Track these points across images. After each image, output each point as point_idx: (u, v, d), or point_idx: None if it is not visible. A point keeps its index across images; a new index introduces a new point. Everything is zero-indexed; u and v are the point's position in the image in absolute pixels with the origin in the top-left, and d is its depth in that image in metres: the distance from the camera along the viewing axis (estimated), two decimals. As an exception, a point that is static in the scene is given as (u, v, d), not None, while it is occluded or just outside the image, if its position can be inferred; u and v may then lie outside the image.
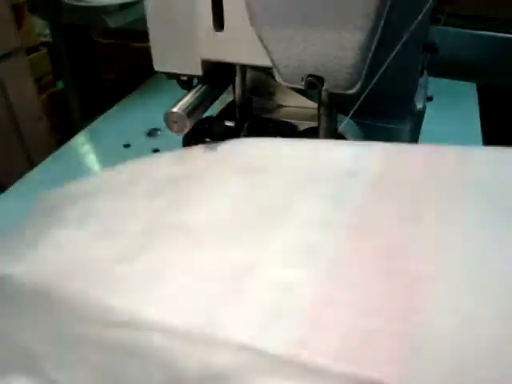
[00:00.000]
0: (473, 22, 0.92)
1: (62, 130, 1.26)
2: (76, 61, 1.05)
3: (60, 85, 1.39)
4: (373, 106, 0.51)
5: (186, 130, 0.35)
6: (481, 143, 0.77)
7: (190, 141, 0.41)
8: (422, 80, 0.53)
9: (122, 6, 0.78)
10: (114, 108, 0.93)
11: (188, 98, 0.36)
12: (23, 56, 0.92)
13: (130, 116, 0.88)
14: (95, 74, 1.16)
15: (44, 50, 1.42)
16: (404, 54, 0.45)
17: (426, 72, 0.58)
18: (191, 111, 0.35)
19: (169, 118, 0.35)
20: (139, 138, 0.83)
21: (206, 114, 0.41)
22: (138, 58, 1.31)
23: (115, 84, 1.42)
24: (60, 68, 1.11)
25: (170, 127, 0.35)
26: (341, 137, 0.37)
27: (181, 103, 0.35)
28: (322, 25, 0.26)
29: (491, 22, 0.92)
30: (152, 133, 0.83)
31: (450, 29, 0.90)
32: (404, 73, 0.46)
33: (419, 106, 0.51)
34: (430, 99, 0.57)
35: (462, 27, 0.91)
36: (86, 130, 0.87)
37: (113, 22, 0.76)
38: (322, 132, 0.36)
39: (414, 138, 0.52)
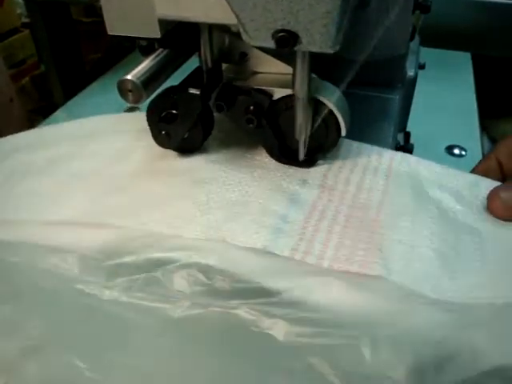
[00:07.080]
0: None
1: (45, 113, 1.21)
2: (56, 41, 1.00)
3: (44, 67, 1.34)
4: (360, 73, 0.47)
5: (143, 101, 0.31)
6: (476, 115, 0.74)
7: (154, 113, 0.37)
8: (413, 44, 0.48)
9: (93, -23, 0.73)
10: (92, 86, 0.88)
11: (145, 64, 0.31)
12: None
13: (109, 94, 0.84)
14: (77, 55, 1.11)
15: (26, 32, 1.36)
16: (393, 11, 0.41)
17: (418, 37, 0.53)
18: (148, 79, 0.31)
19: (122, 87, 0.30)
20: (117, 116, 0.78)
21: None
22: (120, 36, 1.25)
23: (98, 64, 1.37)
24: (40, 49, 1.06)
25: (124, 98, 0.31)
26: (321, 104, 0.33)
27: (136, 70, 0.31)
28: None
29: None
30: (131, 110, 0.79)
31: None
32: (393, 33, 0.41)
33: (410, 73, 0.47)
34: (422, 67, 0.52)
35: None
36: (62, 108, 0.83)
37: (83, -6, 0.71)
38: (297, 100, 0.32)
39: (405, 108, 0.48)
